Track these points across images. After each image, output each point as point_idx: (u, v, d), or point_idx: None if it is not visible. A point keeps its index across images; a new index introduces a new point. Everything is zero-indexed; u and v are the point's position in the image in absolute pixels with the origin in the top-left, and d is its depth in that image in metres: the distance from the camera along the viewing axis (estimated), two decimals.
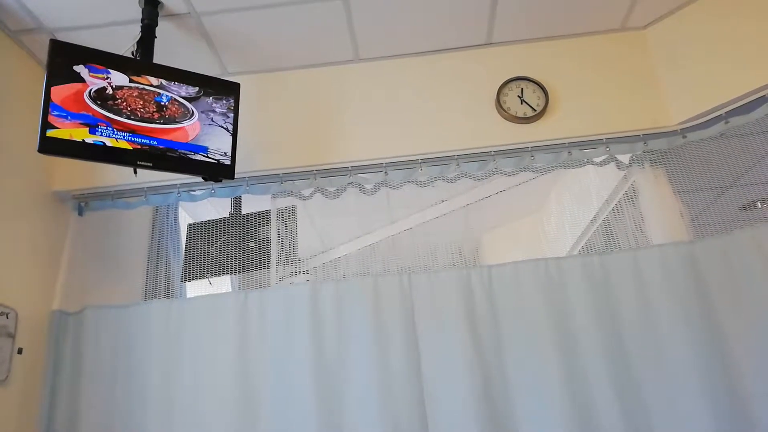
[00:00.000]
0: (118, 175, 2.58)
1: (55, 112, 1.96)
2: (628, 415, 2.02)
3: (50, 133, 1.95)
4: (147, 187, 2.59)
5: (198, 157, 2.22)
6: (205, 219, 2.87)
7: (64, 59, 2.01)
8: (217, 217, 2.87)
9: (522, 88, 2.58)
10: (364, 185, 2.59)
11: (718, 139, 2.48)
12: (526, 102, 2.55)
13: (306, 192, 2.60)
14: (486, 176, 2.58)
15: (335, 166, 2.57)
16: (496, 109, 2.57)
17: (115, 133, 2.06)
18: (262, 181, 2.58)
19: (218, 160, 2.27)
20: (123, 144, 2.07)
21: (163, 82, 2.18)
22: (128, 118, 2.09)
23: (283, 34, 2.53)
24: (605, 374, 2.08)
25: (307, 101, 2.68)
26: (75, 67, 2.02)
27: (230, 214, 2.90)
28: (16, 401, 2.19)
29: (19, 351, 2.23)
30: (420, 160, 2.55)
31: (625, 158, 2.58)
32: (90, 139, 2.02)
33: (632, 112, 2.51)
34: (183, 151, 2.19)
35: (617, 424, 2.01)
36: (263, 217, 2.77)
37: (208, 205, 3.31)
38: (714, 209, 2.98)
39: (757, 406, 1.94)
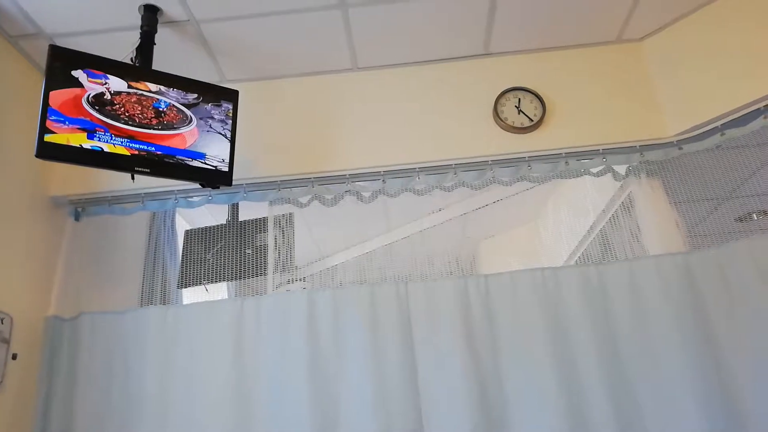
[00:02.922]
0: (116, 181, 2.58)
1: (53, 117, 1.97)
2: (624, 425, 2.02)
3: (48, 138, 1.95)
4: (144, 193, 2.58)
5: (195, 163, 2.23)
6: (202, 225, 2.87)
7: (63, 64, 2.01)
8: (214, 223, 2.87)
9: (519, 99, 2.59)
10: (362, 193, 2.59)
11: (714, 151, 2.49)
12: (523, 112, 2.56)
13: (303, 199, 2.60)
14: (483, 185, 2.58)
15: (333, 174, 2.57)
16: (494, 118, 2.58)
17: (113, 138, 2.06)
18: (259, 188, 2.58)
19: (216, 167, 2.27)
20: (121, 150, 2.08)
21: (162, 88, 2.19)
22: (126, 123, 2.09)
23: (281, 43, 2.54)
24: (601, 384, 2.08)
25: (305, 109, 2.69)
26: (73, 72, 2.03)
27: (227, 220, 2.89)
28: (10, 407, 2.17)
29: (14, 356, 2.22)
30: (417, 169, 2.56)
31: (621, 169, 2.58)
32: (88, 144, 2.02)
33: (629, 123, 2.52)
34: (181, 158, 2.19)
35: None
36: (260, 224, 2.77)
37: (206, 212, 3.31)
38: (710, 221, 2.98)
39: (753, 417, 1.94)
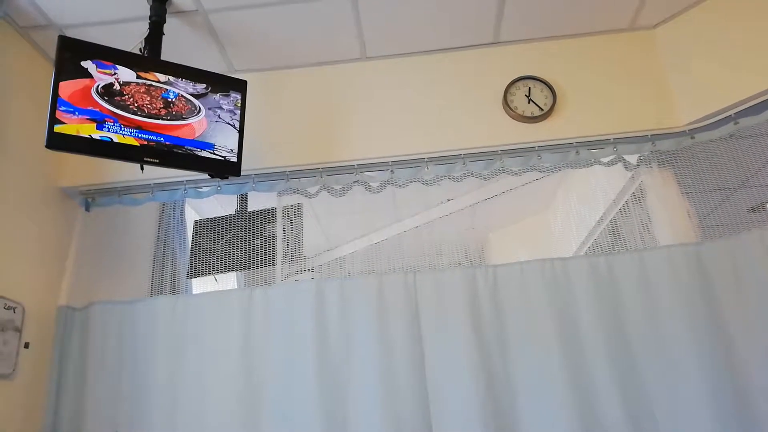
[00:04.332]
0: (125, 171, 2.59)
1: (63, 108, 1.97)
2: (633, 416, 2.01)
3: (58, 128, 1.96)
4: (154, 184, 2.59)
5: (204, 153, 2.23)
6: (211, 216, 2.88)
7: (72, 55, 2.02)
8: (223, 214, 2.88)
9: (529, 88, 2.57)
10: (370, 183, 2.59)
11: (727, 140, 2.46)
12: (533, 101, 2.54)
13: (312, 190, 2.60)
14: (492, 175, 2.57)
15: (341, 164, 2.57)
16: (503, 108, 2.56)
17: (122, 129, 2.07)
18: (268, 178, 2.58)
19: (225, 157, 2.27)
20: (130, 140, 2.08)
21: (171, 78, 2.19)
22: (135, 114, 2.10)
23: (290, 32, 2.53)
24: (610, 375, 2.07)
25: (313, 99, 2.68)
26: (83, 63, 2.03)
27: (236, 211, 2.90)
28: (22, 395, 2.20)
29: (26, 345, 2.24)
30: (426, 159, 2.55)
31: (632, 158, 2.56)
32: (97, 134, 2.02)
33: (640, 112, 2.50)
34: (189, 148, 2.20)
35: (621, 425, 2.00)
36: (269, 214, 2.77)
37: (215, 202, 3.32)
38: (722, 211, 2.96)
39: (762, 407, 1.93)
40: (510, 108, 2.53)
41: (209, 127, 2.25)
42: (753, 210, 3.16)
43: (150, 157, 2.12)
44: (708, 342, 2.05)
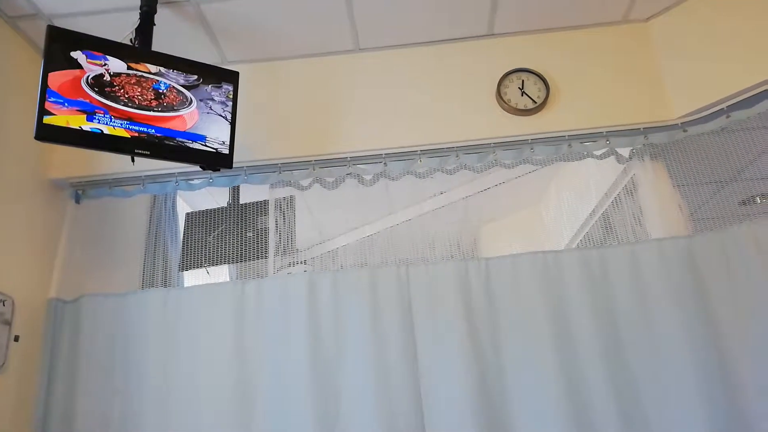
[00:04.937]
0: (116, 163, 2.57)
1: (52, 99, 1.95)
2: (624, 410, 2.02)
3: (47, 119, 1.94)
4: (145, 176, 2.57)
5: (196, 145, 2.21)
6: (203, 208, 2.86)
7: (62, 45, 1.99)
8: (215, 206, 2.86)
9: (523, 80, 2.56)
10: (363, 176, 2.58)
11: (719, 134, 2.47)
12: (526, 94, 2.53)
13: (304, 182, 2.59)
14: (485, 168, 2.57)
15: (334, 157, 2.56)
16: (497, 100, 2.55)
17: (113, 120, 2.05)
18: (260, 170, 2.57)
19: (216, 149, 2.26)
20: (120, 132, 2.06)
21: (162, 69, 2.16)
22: (126, 105, 2.08)
23: (283, 23, 2.51)
24: (601, 368, 2.08)
25: (306, 91, 2.67)
26: (72, 54, 2.01)
27: (228, 203, 2.89)
28: (12, 389, 2.18)
29: (16, 338, 2.22)
30: (419, 152, 2.54)
31: (625, 151, 2.57)
32: (87, 126, 2.00)
33: (633, 105, 2.50)
34: (181, 140, 2.18)
35: (613, 419, 2.01)
36: (261, 206, 2.76)
37: (206, 195, 3.30)
38: (713, 204, 2.97)
39: (754, 401, 1.95)
40: (503, 101, 2.52)
41: (201, 119, 2.23)
42: (744, 203, 3.17)
43: (141, 149, 2.10)
44: (699, 334, 2.06)
